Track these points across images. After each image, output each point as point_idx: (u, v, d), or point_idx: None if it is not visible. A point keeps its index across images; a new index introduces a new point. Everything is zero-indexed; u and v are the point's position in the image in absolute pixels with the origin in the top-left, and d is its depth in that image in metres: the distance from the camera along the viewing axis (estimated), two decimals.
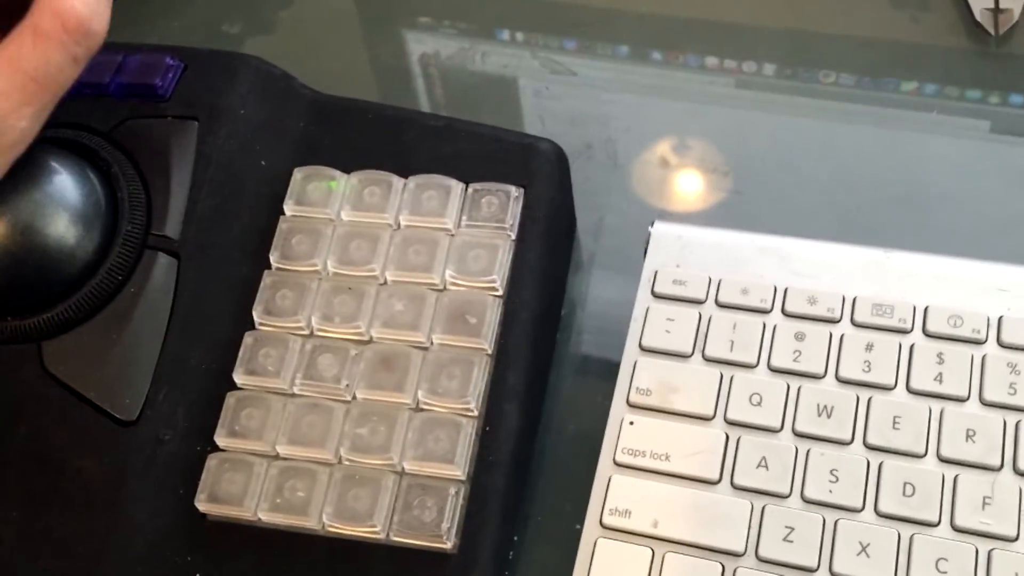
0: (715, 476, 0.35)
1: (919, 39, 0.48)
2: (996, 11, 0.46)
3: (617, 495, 0.35)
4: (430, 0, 0.53)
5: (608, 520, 0.35)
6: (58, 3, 0.30)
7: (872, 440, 0.35)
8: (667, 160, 0.46)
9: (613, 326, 0.40)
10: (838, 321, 0.37)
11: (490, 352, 0.36)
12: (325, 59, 0.51)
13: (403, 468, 0.35)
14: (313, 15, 0.54)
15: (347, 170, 0.40)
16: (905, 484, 0.34)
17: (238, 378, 0.37)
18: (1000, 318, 0.36)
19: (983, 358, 0.35)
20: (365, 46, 0.53)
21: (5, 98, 0.29)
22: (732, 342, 0.37)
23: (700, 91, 0.48)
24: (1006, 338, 0.36)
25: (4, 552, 0.35)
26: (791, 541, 0.34)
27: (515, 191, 0.38)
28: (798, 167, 0.45)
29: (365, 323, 0.37)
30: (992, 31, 0.46)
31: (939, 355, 0.36)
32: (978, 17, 0.47)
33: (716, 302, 0.38)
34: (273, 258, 0.38)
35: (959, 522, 0.33)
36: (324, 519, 0.34)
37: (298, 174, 0.40)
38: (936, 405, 0.35)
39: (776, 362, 0.36)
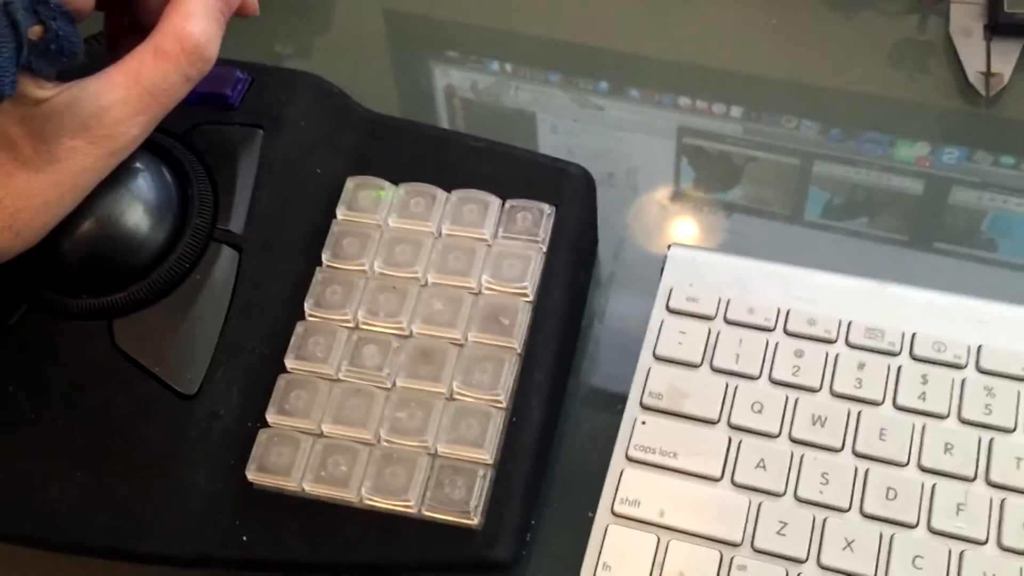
0: (717, 474, 0.38)
1: (916, 97, 0.51)
2: (988, 74, 0.50)
3: (628, 486, 0.39)
4: (458, 36, 0.57)
5: (619, 508, 0.38)
6: (179, 28, 0.34)
7: (860, 448, 0.38)
8: (675, 197, 0.50)
9: (627, 338, 0.43)
10: (834, 341, 0.40)
11: (519, 351, 0.40)
12: (356, 85, 0.54)
13: (436, 450, 0.38)
14: (346, 42, 0.57)
15: (395, 182, 0.43)
16: (888, 489, 0.37)
17: (289, 362, 0.40)
18: (979, 347, 0.40)
19: (963, 381, 0.39)
20: (394, 75, 0.56)
21: (123, 106, 0.33)
22: (738, 355, 0.40)
23: (707, 133, 0.52)
24: (984, 364, 0.39)
25: (70, 508, 0.38)
26: (784, 535, 0.37)
27: (548, 209, 0.42)
28: (799, 210, 0.49)
29: (407, 319, 0.40)
30: (983, 92, 0.50)
31: (923, 376, 0.39)
32: (971, 79, 0.50)
33: (725, 319, 0.41)
34: (325, 257, 0.42)
35: (935, 525, 0.37)
36: (363, 492, 0.37)
37: (350, 183, 0.43)
38: (919, 420, 0.39)
39: (777, 375, 0.40)
